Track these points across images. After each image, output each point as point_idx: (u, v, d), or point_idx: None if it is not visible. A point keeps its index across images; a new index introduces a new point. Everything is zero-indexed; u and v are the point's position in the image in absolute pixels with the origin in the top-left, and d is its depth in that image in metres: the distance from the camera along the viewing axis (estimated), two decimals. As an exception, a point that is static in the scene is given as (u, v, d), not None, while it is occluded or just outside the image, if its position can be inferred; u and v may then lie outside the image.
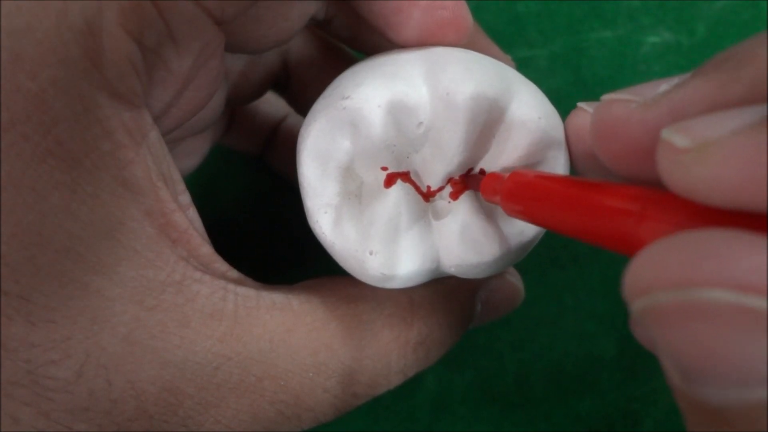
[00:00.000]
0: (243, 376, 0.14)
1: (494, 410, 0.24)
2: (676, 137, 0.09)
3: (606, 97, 0.11)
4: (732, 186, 0.08)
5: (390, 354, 0.16)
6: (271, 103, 0.24)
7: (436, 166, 0.15)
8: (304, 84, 0.21)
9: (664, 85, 0.11)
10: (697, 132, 0.09)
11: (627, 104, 0.11)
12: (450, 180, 0.15)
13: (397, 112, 0.14)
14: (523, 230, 0.15)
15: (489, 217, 0.15)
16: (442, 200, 0.16)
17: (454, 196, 0.15)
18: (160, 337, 0.13)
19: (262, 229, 0.25)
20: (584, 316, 0.24)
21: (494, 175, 0.14)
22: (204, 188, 0.24)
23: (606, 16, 0.26)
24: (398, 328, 0.16)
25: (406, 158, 0.15)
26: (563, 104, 0.25)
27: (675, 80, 0.10)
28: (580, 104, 0.15)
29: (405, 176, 0.15)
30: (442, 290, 0.17)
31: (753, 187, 0.08)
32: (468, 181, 0.15)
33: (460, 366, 0.24)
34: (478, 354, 0.24)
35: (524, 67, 0.26)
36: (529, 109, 0.15)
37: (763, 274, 0.07)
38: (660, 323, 0.08)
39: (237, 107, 0.23)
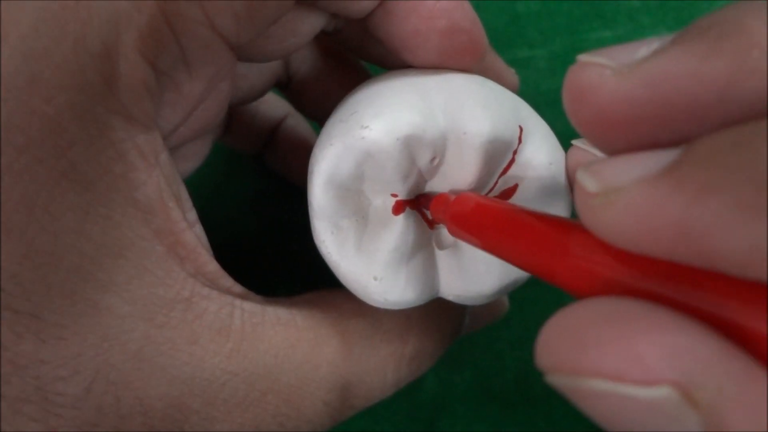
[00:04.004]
0: (248, 391, 0.14)
1: (494, 409, 0.24)
2: (588, 180, 0.09)
3: (582, 57, 0.10)
4: (633, 234, 0.08)
5: (386, 368, 0.16)
6: (271, 104, 0.24)
7: None
8: (305, 84, 0.21)
9: (643, 49, 0.10)
10: (605, 176, 0.09)
11: (601, 69, 0.10)
12: None
13: (414, 146, 0.14)
14: None
15: None
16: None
17: None
18: (169, 354, 0.13)
19: (261, 228, 0.25)
20: (584, 315, 0.24)
21: (443, 197, 0.14)
22: (203, 188, 0.24)
23: (606, 16, 0.26)
24: (395, 343, 0.16)
25: (416, 187, 0.15)
26: (563, 105, 0.25)
27: (655, 44, 0.10)
28: (574, 142, 0.15)
29: (413, 204, 0.15)
30: (436, 306, 0.17)
31: (651, 237, 0.08)
32: (420, 200, 0.15)
33: (460, 365, 0.24)
34: (478, 353, 0.24)
35: (524, 67, 0.26)
36: (541, 153, 0.15)
37: (634, 361, 0.08)
38: (567, 397, 0.09)
39: (237, 107, 0.23)
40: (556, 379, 0.08)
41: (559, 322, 0.09)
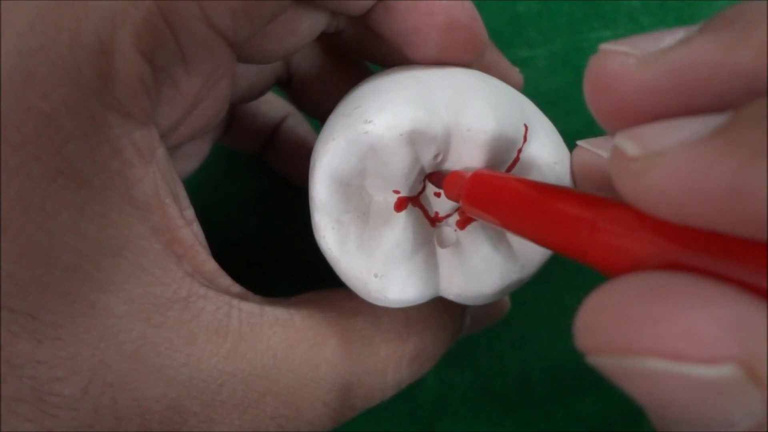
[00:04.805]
0: (246, 392, 0.14)
1: (494, 410, 0.24)
2: (627, 144, 0.09)
3: (604, 46, 0.10)
4: (676, 200, 0.08)
5: (387, 368, 0.16)
6: (271, 104, 0.24)
7: None
8: (306, 82, 0.21)
9: (667, 38, 0.10)
10: (647, 139, 0.08)
11: (625, 58, 0.10)
12: (458, 208, 0.15)
13: (418, 141, 0.14)
14: (523, 266, 0.15)
15: (494, 250, 0.15)
16: (449, 227, 0.16)
17: (461, 225, 0.15)
18: (167, 355, 0.13)
19: (261, 228, 0.25)
20: (584, 315, 0.24)
21: (457, 174, 0.14)
22: (203, 188, 0.24)
23: (606, 16, 0.26)
24: (395, 343, 0.16)
25: (419, 183, 0.15)
26: (563, 104, 0.25)
27: (680, 33, 0.09)
28: (579, 143, 0.15)
29: (415, 200, 0.15)
30: (436, 305, 0.17)
31: (696, 203, 0.08)
32: (431, 178, 0.15)
33: (461, 366, 0.24)
34: (478, 354, 0.24)
35: (524, 67, 0.26)
36: (546, 153, 0.15)
37: (694, 339, 0.07)
38: (614, 380, 0.08)
39: (237, 107, 0.23)
40: (602, 361, 0.08)
41: (603, 300, 0.08)
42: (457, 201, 0.14)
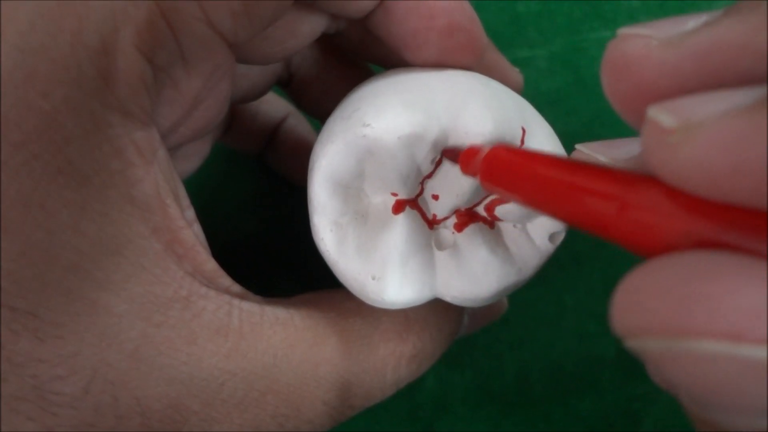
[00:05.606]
0: (247, 391, 0.14)
1: (494, 410, 0.24)
2: (663, 116, 0.08)
3: (623, 30, 0.10)
4: (717, 173, 0.07)
5: (386, 367, 0.16)
6: (272, 104, 0.24)
7: (445, 196, 0.15)
8: (306, 82, 0.21)
9: (691, 22, 0.09)
10: (685, 111, 0.08)
11: (647, 41, 0.09)
12: (456, 211, 0.16)
13: (415, 145, 0.14)
14: (521, 268, 0.16)
15: (491, 253, 0.15)
16: (447, 230, 0.16)
17: (459, 227, 0.15)
18: (167, 354, 0.13)
19: (261, 228, 0.25)
20: (584, 316, 0.24)
21: (474, 149, 0.14)
22: (203, 188, 0.24)
23: (606, 16, 0.26)
24: (394, 342, 0.16)
25: (417, 186, 0.15)
26: (563, 104, 0.25)
27: (704, 17, 0.09)
28: (578, 146, 0.15)
29: (413, 203, 0.15)
30: (435, 306, 0.17)
31: (738, 175, 0.07)
32: (446, 153, 0.15)
33: (460, 366, 0.24)
34: (477, 354, 0.24)
35: (524, 67, 0.26)
36: None
37: (754, 318, 0.07)
38: (656, 365, 0.08)
39: (237, 107, 0.23)
40: (646, 344, 0.08)
41: (647, 279, 0.08)
42: (473, 176, 0.14)
